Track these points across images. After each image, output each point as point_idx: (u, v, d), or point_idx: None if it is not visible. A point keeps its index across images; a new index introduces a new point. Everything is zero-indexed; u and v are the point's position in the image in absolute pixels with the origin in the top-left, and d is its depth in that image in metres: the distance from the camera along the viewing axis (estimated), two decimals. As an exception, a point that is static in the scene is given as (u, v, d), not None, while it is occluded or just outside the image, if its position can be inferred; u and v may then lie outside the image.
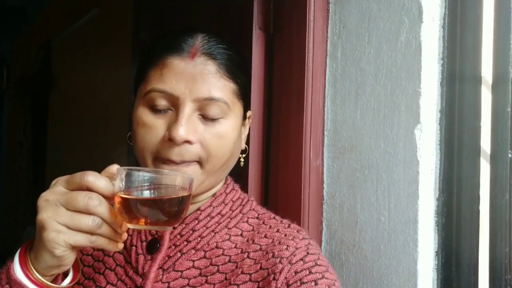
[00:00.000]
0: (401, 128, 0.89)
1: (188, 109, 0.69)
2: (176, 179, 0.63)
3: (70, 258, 0.61)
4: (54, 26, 3.40)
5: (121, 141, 2.20)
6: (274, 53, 1.12)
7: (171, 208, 0.61)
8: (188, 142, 0.69)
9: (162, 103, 0.70)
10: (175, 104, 0.70)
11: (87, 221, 0.59)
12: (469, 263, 0.85)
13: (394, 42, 0.91)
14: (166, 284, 0.71)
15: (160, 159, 0.70)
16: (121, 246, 0.64)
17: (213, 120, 0.71)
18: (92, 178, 0.60)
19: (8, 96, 4.72)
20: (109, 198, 0.61)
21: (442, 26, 0.90)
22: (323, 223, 1.03)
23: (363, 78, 0.97)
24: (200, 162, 0.71)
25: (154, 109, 0.70)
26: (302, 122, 1.02)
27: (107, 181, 0.61)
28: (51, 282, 0.64)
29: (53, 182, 0.63)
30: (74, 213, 0.59)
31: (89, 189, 0.60)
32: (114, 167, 0.63)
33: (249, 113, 0.81)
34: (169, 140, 0.68)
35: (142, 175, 0.62)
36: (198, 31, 0.74)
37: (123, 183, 0.60)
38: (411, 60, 0.88)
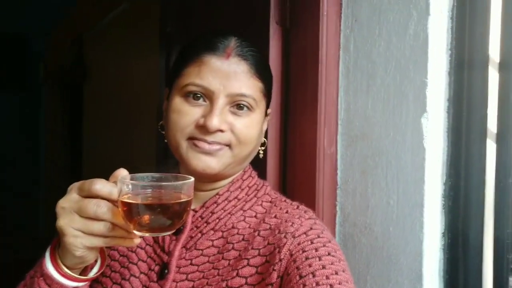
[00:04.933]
0: (409, 117, 0.94)
1: (221, 102, 0.78)
2: (177, 184, 0.65)
3: (91, 256, 0.67)
4: (85, 20, 3.53)
5: (149, 127, 2.31)
6: (290, 47, 1.18)
7: (172, 213, 0.63)
8: (220, 131, 0.78)
9: (198, 95, 0.79)
10: (210, 97, 0.79)
11: (99, 227, 0.64)
12: (475, 244, 0.89)
13: (403, 35, 0.95)
14: (189, 261, 0.80)
15: (194, 139, 0.78)
16: (137, 241, 0.67)
17: (242, 113, 0.80)
18: (98, 186, 0.64)
19: (44, 89, 4.92)
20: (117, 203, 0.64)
21: (451, 17, 0.93)
22: (337, 207, 1.09)
23: (374, 69, 1.01)
24: (230, 147, 0.80)
25: (190, 100, 0.79)
26: (317, 112, 1.08)
27: (112, 186, 0.64)
28: (81, 272, 0.71)
29: (69, 188, 0.67)
30: (87, 219, 0.64)
31: (98, 196, 0.64)
32: (122, 171, 0.66)
33: (269, 111, 0.90)
34: (202, 127, 0.77)
35: (144, 180, 0.65)
36: (231, 34, 0.82)
37: (127, 188, 0.62)
38: (419, 52, 0.92)
